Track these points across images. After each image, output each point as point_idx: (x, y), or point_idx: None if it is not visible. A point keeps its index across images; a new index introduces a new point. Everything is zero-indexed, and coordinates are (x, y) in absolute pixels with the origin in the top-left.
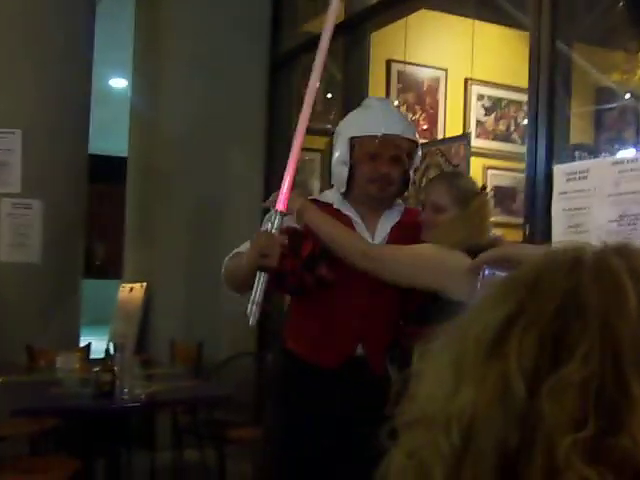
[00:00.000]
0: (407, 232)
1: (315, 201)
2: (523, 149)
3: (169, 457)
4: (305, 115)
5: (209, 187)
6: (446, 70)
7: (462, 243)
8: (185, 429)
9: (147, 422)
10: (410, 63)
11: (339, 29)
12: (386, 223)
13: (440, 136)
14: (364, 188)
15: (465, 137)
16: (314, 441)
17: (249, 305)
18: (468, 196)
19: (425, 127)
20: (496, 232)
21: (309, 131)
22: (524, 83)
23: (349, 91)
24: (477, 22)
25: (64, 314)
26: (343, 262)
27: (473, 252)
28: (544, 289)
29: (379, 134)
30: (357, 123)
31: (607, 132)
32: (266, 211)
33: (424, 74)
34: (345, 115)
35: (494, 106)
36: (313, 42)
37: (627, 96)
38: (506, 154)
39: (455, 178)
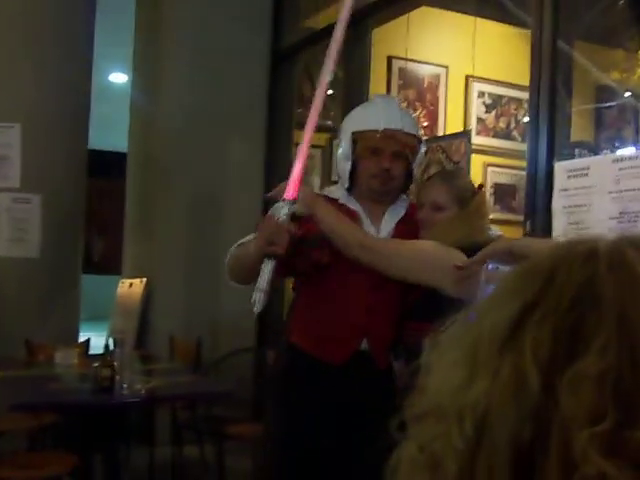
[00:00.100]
0: (412, 227)
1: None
2: (523, 147)
3: (168, 453)
4: (318, 103)
5: (209, 182)
6: (447, 67)
7: (461, 242)
8: (184, 425)
9: (146, 418)
10: (411, 60)
11: None
12: (391, 218)
13: (440, 133)
14: (367, 183)
15: (466, 134)
16: (316, 438)
17: (255, 292)
18: (466, 195)
19: (425, 124)
20: (495, 230)
21: None
22: (525, 81)
23: (350, 87)
24: (478, 19)
25: (63, 309)
26: (346, 257)
27: (472, 250)
28: (559, 280)
29: (380, 129)
30: (359, 118)
31: (607, 130)
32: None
33: (425, 71)
34: (346, 111)
35: (494, 103)
36: (314, 37)
37: (627, 94)
38: (506, 151)
39: (453, 177)
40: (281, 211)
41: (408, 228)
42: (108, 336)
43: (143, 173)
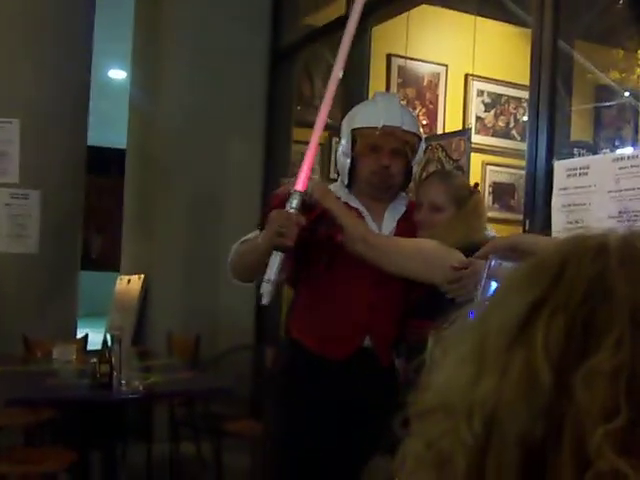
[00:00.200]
0: (412, 225)
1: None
2: (522, 145)
3: (166, 449)
4: (329, 96)
5: (208, 180)
6: (447, 66)
7: (460, 243)
8: (182, 422)
9: (144, 414)
10: (411, 58)
11: (339, 23)
12: (392, 216)
13: (439, 131)
14: (366, 180)
15: (466, 132)
16: (317, 436)
17: (263, 284)
18: (464, 194)
19: (425, 122)
20: (490, 231)
21: (308, 125)
22: (524, 80)
23: (349, 85)
24: (479, 18)
25: (61, 305)
26: (348, 254)
27: (470, 250)
28: (569, 275)
29: (379, 126)
30: (359, 115)
31: (606, 129)
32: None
33: (424, 69)
34: (345, 109)
35: (494, 102)
36: (314, 35)
37: (626, 94)
38: (505, 150)
39: (450, 177)
40: (291, 203)
41: (408, 226)
42: (106, 332)
43: (142, 171)
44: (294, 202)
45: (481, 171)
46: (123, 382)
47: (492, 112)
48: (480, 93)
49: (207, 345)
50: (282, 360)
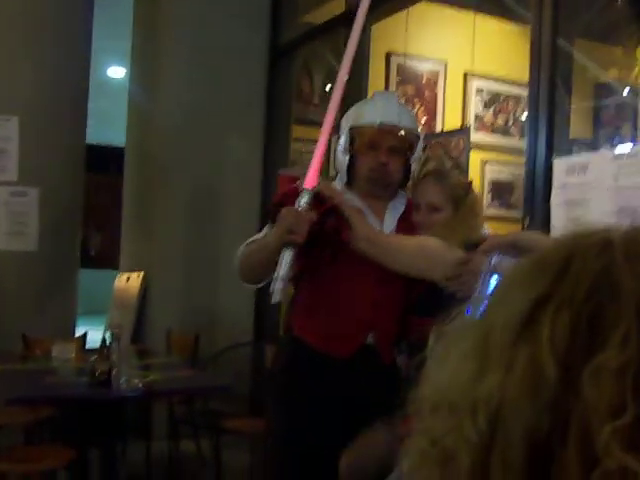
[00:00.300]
0: (412, 223)
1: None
2: (521, 143)
3: (165, 447)
4: (338, 92)
5: (207, 178)
6: (446, 63)
7: (459, 241)
8: (181, 419)
9: (143, 412)
10: (410, 56)
11: (338, 21)
12: (392, 214)
13: (438, 129)
14: (365, 178)
15: (465, 130)
16: (319, 434)
17: (273, 282)
18: (460, 193)
19: (424, 120)
20: (487, 228)
21: (307, 122)
22: (524, 77)
23: (348, 83)
24: (478, 16)
25: (60, 303)
26: (352, 252)
27: (468, 248)
28: (574, 270)
29: (377, 123)
30: (358, 114)
31: (605, 127)
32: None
33: (424, 67)
34: (343, 107)
35: (493, 100)
36: (313, 33)
37: (625, 92)
38: (504, 148)
39: (445, 176)
40: (301, 200)
41: (409, 224)
42: (105, 330)
43: (141, 169)
44: (304, 199)
45: (480, 169)
46: (122, 380)
47: (491, 110)
48: (479, 91)
49: (206, 343)
50: (283, 357)
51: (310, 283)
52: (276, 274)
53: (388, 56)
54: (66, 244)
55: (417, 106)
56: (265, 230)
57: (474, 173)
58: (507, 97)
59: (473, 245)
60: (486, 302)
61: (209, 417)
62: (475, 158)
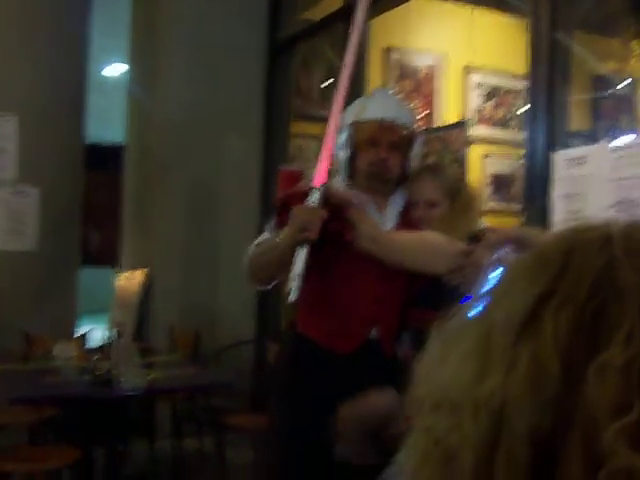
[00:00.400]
0: (412, 219)
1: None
2: (521, 136)
3: (168, 445)
4: (342, 90)
5: (207, 175)
6: (444, 57)
7: (460, 234)
8: (184, 417)
9: (146, 410)
10: (409, 50)
11: (337, 17)
12: (393, 210)
13: (438, 123)
14: (365, 174)
15: (464, 124)
16: (322, 429)
17: (289, 281)
18: (456, 186)
19: (423, 114)
20: (484, 222)
21: (306, 119)
22: (522, 71)
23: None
24: (476, 9)
25: (61, 302)
26: (355, 250)
27: (469, 240)
28: (576, 267)
29: (376, 120)
30: (357, 110)
31: (604, 119)
32: (264, 199)
33: (422, 61)
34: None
35: (492, 93)
36: (312, 29)
37: (623, 84)
38: (504, 141)
39: (439, 171)
40: (311, 198)
41: (409, 219)
42: (107, 329)
43: (141, 167)
44: (314, 197)
45: (480, 162)
46: (124, 379)
47: (491, 103)
48: (479, 84)
49: (208, 340)
50: (286, 354)
51: (313, 280)
52: (292, 272)
53: (387, 51)
54: (66, 243)
55: (416, 100)
56: (268, 231)
57: (474, 167)
58: (506, 90)
59: (474, 238)
60: (487, 298)
61: (212, 414)
62: (475, 152)
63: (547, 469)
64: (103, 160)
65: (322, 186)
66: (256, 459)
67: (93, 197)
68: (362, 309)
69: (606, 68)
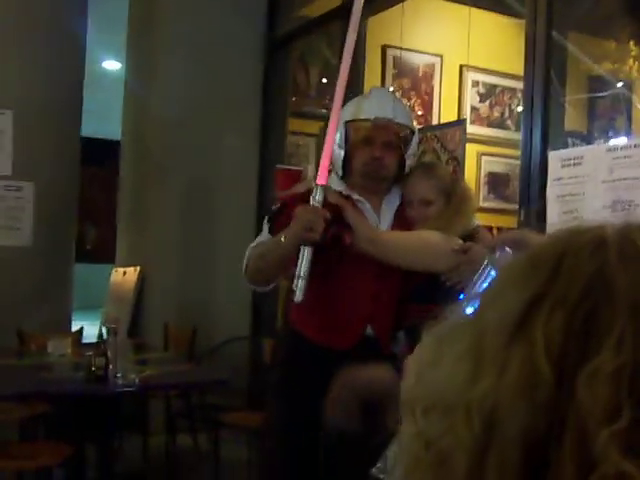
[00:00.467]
0: (408, 218)
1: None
2: (517, 136)
3: (162, 442)
4: (340, 89)
5: (203, 171)
6: (442, 56)
7: (456, 231)
8: (178, 414)
9: (140, 407)
10: (406, 49)
11: (334, 14)
12: (389, 208)
13: (435, 122)
14: (360, 172)
15: (461, 123)
16: (319, 426)
17: (295, 280)
18: (449, 184)
19: (420, 113)
20: (478, 220)
21: (303, 116)
22: (519, 70)
23: None
24: (473, 9)
25: (56, 298)
26: (352, 249)
27: (464, 237)
28: (568, 270)
29: (371, 118)
30: (353, 109)
31: (600, 120)
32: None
33: (420, 60)
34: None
35: (489, 93)
36: (309, 26)
37: (619, 85)
38: (500, 140)
39: (433, 169)
40: (315, 197)
41: (405, 218)
42: (102, 325)
43: (138, 163)
44: (317, 196)
45: (476, 161)
46: (119, 375)
47: (487, 103)
48: (475, 84)
49: (203, 337)
50: (282, 351)
51: (310, 279)
52: (297, 272)
53: (384, 49)
54: (61, 239)
55: (413, 99)
56: (265, 233)
57: (470, 166)
58: (503, 90)
59: (468, 236)
60: (481, 299)
61: (206, 411)
62: (471, 151)
63: (539, 473)
64: (99, 156)
65: (323, 186)
66: (251, 456)
67: (89, 193)
68: (359, 306)
69: (602, 69)
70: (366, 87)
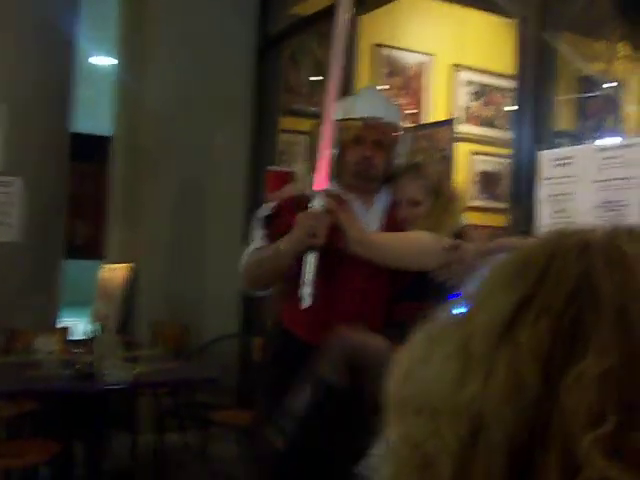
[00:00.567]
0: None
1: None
2: (508, 135)
3: (151, 440)
4: (332, 91)
5: (195, 168)
6: (433, 56)
7: (445, 230)
8: (167, 411)
9: (129, 404)
10: (398, 48)
11: (326, 13)
12: (379, 207)
13: (426, 121)
14: (350, 172)
15: (450, 122)
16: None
17: (302, 287)
18: (438, 185)
19: (411, 112)
20: (467, 219)
21: (294, 114)
22: (510, 70)
23: None
24: (465, 9)
25: (44, 294)
26: (343, 251)
27: (453, 236)
28: (555, 272)
29: (361, 118)
30: (343, 108)
31: (590, 120)
32: (252, 194)
33: (411, 59)
34: None
35: (480, 92)
36: (301, 24)
37: (608, 85)
38: (491, 140)
39: (421, 170)
40: (315, 202)
41: (395, 218)
42: (90, 322)
43: (128, 158)
44: (317, 202)
45: (468, 160)
46: (107, 372)
47: (479, 102)
48: (467, 83)
49: (193, 334)
50: (272, 350)
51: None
52: (304, 278)
53: (376, 48)
54: (50, 234)
55: (405, 98)
56: (259, 238)
57: (462, 164)
58: (495, 89)
59: (457, 235)
60: (471, 299)
61: (195, 409)
62: (463, 150)
63: (524, 477)
64: (89, 151)
65: (324, 190)
66: (240, 454)
67: (79, 188)
68: (349, 305)
69: (592, 69)
70: (358, 85)
